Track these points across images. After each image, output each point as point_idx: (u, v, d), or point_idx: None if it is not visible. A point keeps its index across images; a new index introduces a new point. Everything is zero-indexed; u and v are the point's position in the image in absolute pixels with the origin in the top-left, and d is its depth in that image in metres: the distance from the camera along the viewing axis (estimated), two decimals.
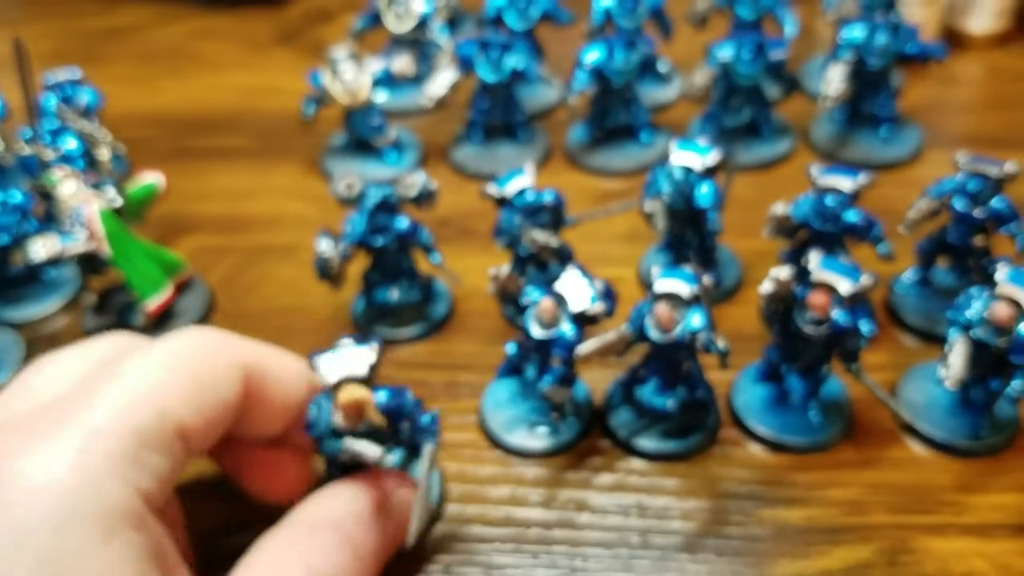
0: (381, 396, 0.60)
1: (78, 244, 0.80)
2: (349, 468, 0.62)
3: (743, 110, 0.99)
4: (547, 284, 0.70)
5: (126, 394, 0.50)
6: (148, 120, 1.16)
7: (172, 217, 0.98)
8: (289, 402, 0.60)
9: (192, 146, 1.11)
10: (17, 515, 0.45)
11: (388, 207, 0.78)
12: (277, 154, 1.08)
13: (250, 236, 0.96)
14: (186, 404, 0.52)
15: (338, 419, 0.58)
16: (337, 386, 0.58)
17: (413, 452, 0.64)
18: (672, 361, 0.69)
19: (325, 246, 0.78)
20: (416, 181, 0.78)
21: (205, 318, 0.87)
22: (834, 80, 0.93)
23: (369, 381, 0.58)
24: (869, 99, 0.98)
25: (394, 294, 0.83)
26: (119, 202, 0.81)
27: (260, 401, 0.58)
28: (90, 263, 0.83)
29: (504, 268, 0.71)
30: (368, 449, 0.58)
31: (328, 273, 0.78)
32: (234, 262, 0.93)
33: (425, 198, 0.79)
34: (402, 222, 0.79)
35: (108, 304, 0.87)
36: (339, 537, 0.56)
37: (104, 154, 0.91)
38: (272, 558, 0.55)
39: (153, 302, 0.83)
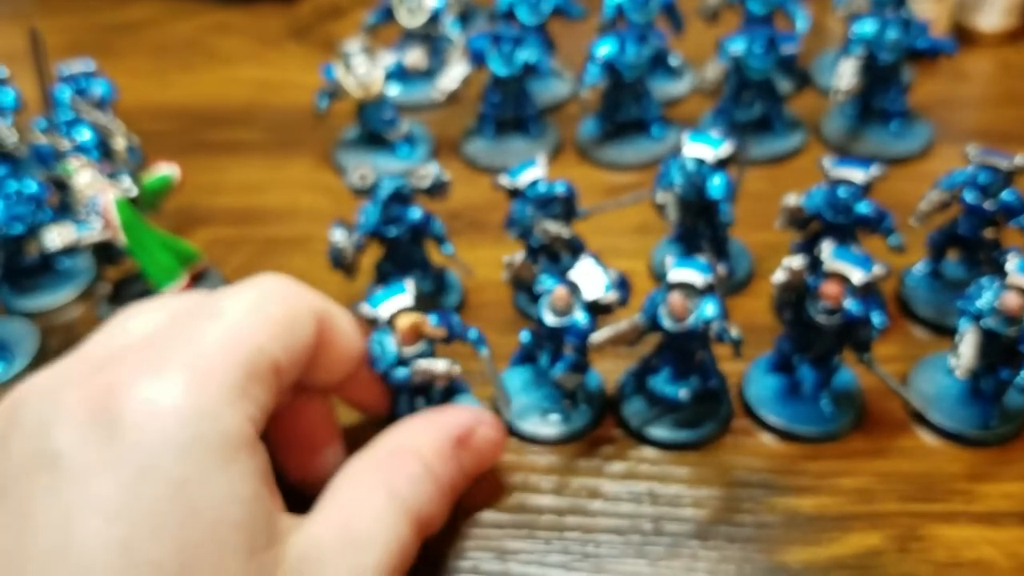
0: (432, 317, 0.67)
1: (94, 233, 0.80)
2: (416, 399, 0.69)
3: (755, 104, 0.99)
4: (561, 273, 0.71)
5: (230, 329, 0.52)
6: (162, 113, 1.17)
7: (186, 209, 0.98)
8: (351, 352, 0.62)
9: (205, 139, 1.11)
10: (140, 441, 0.47)
11: (401, 198, 0.79)
12: (290, 147, 1.08)
13: (264, 228, 0.97)
14: (279, 342, 0.54)
15: (401, 346, 0.65)
16: (392, 318, 0.66)
17: (450, 395, 0.71)
18: (685, 350, 0.70)
19: (339, 236, 0.79)
20: (429, 172, 0.79)
21: None
22: (845, 75, 0.93)
23: (416, 310, 0.67)
24: (880, 94, 0.98)
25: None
26: (135, 192, 0.82)
27: (327, 348, 0.60)
28: (105, 252, 0.84)
29: (519, 255, 0.72)
30: (437, 363, 0.66)
31: (342, 263, 0.79)
32: (249, 253, 0.94)
33: (438, 189, 0.80)
34: (415, 213, 0.80)
35: (123, 294, 0.87)
36: (421, 464, 0.59)
37: (120, 143, 0.91)
38: (357, 480, 0.57)
39: (168, 292, 0.83)
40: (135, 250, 0.82)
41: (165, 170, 0.88)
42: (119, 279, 0.88)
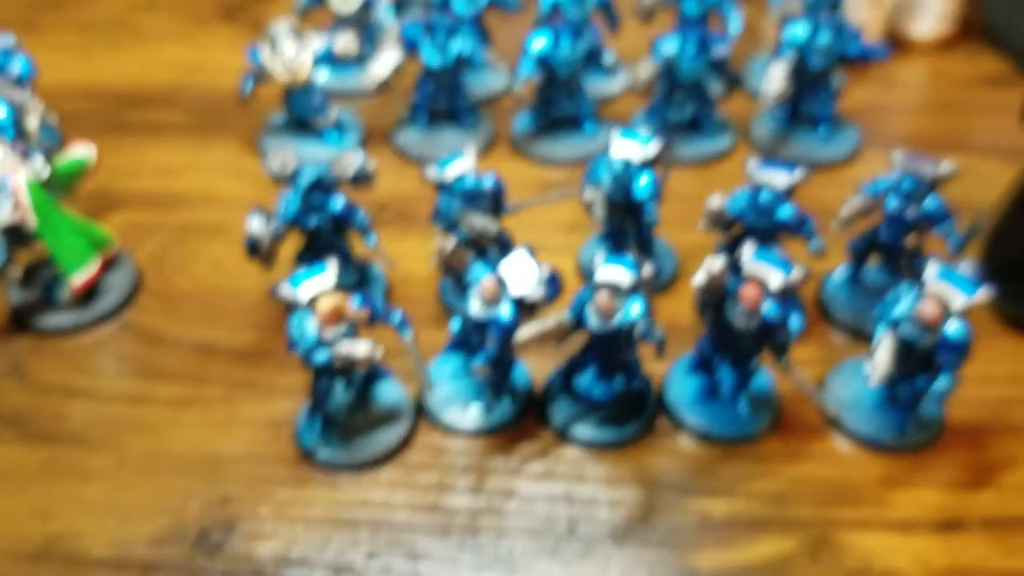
0: (355, 299, 0.67)
1: (3, 215, 0.77)
2: (336, 382, 0.70)
3: (686, 105, 0.99)
4: (495, 265, 0.70)
5: None
6: (83, 92, 1.13)
7: (103, 192, 0.95)
8: None
9: (126, 120, 1.08)
10: None
11: (323, 186, 0.77)
12: (214, 131, 1.06)
13: (181, 213, 0.94)
14: None
15: (321, 328, 0.65)
16: (313, 300, 0.65)
17: (371, 380, 0.72)
18: (610, 350, 0.69)
19: (256, 224, 0.76)
20: (353, 161, 0.77)
21: (132, 296, 0.84)
22: (775, 78, 0.93)
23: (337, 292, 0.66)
24: (809, 98, 0.99)
25: None
26: (47, 173, 0.79)
27: None
28: (15, 235, 0.81)
29: (450, 241, 0.70)
30: (358, 346, 0.65)
31: (259, 252, 0.77)
32: (164, 239, 0.91)
33: (362, 178, 0.78)
34: (337, 202, 0.78)
35: (34, 278, 0.84)
36: None
37: (32, 123, 0.88)
38: None
39: (79, 278, 0.81)
40: (45, 234, 0.79)
41: (80, 152, 0.85)
42: (30, 263, 0.85)
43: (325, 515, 0.67)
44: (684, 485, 0.68)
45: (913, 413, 0.71)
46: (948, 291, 0.65)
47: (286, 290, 0.66)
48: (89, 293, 0.83)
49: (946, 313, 0.65)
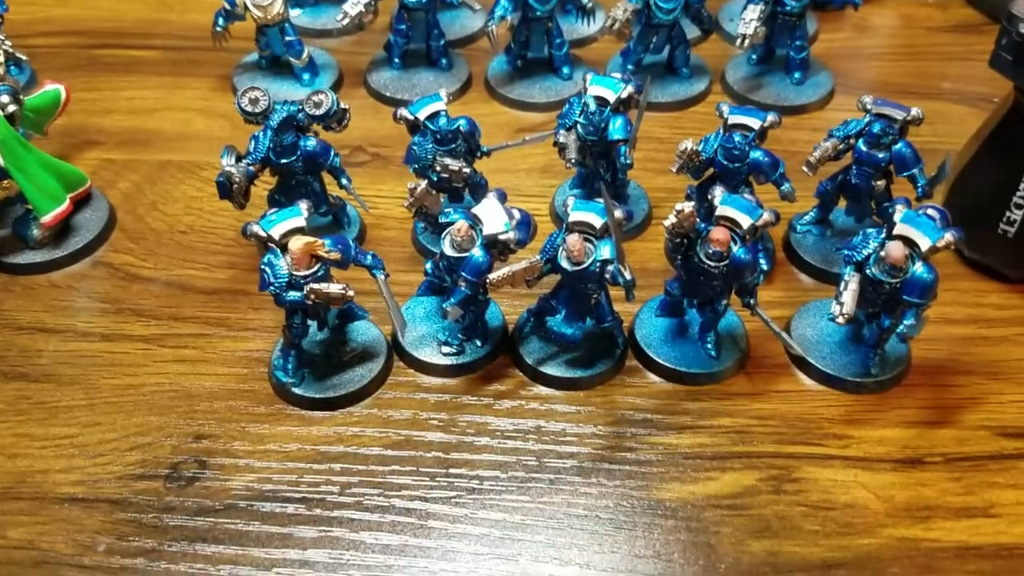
0: (327, 240, 0.67)
1: None
2: (310, 322, 0.70)
3: (662, 48, 0.99)
4: (468, 208, 0.70)
5: None
6: (55, 28, 1.11)
7: (75, 129, 0.94)
8: None
9: (99, 57, 1.07)
10: None
11: (294, 125, 0.77)
12: (188, 68, 1.05)
13: (155, 152, 0.93)
14: None
15: (293, 269, 0.65)
16: (284, 240, 0.66)
17: (346, 320, 0.73)
18: (581, 292, 0.70)
19: (228, 163, 0.76)
20: (323, 99, 0.77)
21: (105, 234, 0.84)
22: (750, 20, 0.93)
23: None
24: (783, 43, 0.99)
25: None
26: (12, 109, 0.78)
27: None
28: None
29: (423, 184, 0.71)
30: (332, 286, 0.66)
31: (228, 191, 0.76)
32: (137, 178, 0.90)
33: (333, 117, 0.78)
34: (309, 142, 0.78)
35: (2, 216, 0.84)
36: None
37: None
38: None
39: (50, 215, 0.80)
40: (13, 172, 0.78)
41: (51, 89, 0.84)
42: (1, 199, 0.84)
43: (299, 451, 0.68)
44: (651, 422, 0.70)
45: (878, 353, 0.72)
46: (914, 234, 0.66)
47: (257, 230, 0.66)
48: (62, 231, 0.82)
49: (912, 255, 0.66)
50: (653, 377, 0.73)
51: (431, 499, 0.65)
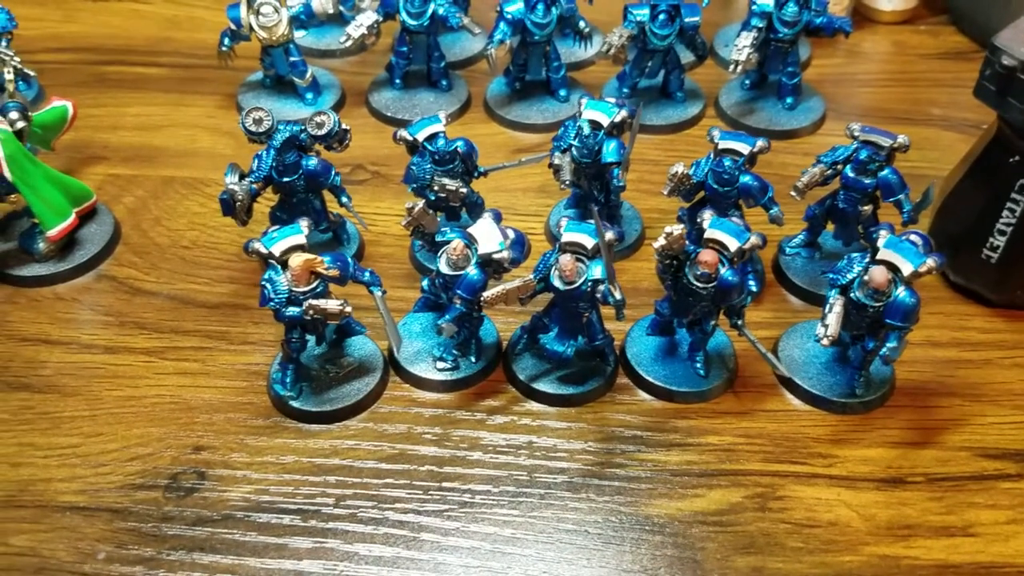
0: (326, 257, 0.69)
1: None
2: (308, 338, 0.71)
3: (657, 72, 1.01)
4: (464, 229, 0.72)
5: None
6: (64, 45, 1.13)
7: (82, 145, 0.96)
8: None
9: (107, 74, 1.09)
10: None
11: (297, 145, 0.79)
12: (194, 86, 1.06)
13: (160, 168, 0.95)
14: None
15: (292, 285, 0.67)
16: (285, 257, 0.67)
17: (344, 335, 0.74)
18: (573, 310, 0.71)
19: (231, 181, 0.78)
20: (326, 120, 0.79)
21: (110, 248, 0.86)
22: (743, 47, 0.95)
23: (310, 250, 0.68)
24: (776, 69, 1.01)
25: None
26: (21, 124, 0.80)
27: None
28: None
29: (420, 203, 0.72)
30: (330, 302, 0.67)
31: (232, 209, 0.78)
32: (142, 193, 0.92)
33: (335, 137, 0.79)
34: (311, 161, 0.80)
35: (9, 229, 0.86)
36: None
37: (7, 75, 0.89)
38: None
39: (56, 229, 0.82)
40: (21, 187, 0.80)
41: (58, 105, 0.86)
42: (5, 214, 0.86)
43: (295, 463, 0.70)
44: (640, 439, 0.71)
45: (863, 374, 0.74)
46: (897, 259, 0.68)
47: (259, 247, 0.68)
48: (67, 244, 0.84)
49: (895, 278, 0.68)
50: (643, 395, 0.75)
51: (424, 512, 0.67)
